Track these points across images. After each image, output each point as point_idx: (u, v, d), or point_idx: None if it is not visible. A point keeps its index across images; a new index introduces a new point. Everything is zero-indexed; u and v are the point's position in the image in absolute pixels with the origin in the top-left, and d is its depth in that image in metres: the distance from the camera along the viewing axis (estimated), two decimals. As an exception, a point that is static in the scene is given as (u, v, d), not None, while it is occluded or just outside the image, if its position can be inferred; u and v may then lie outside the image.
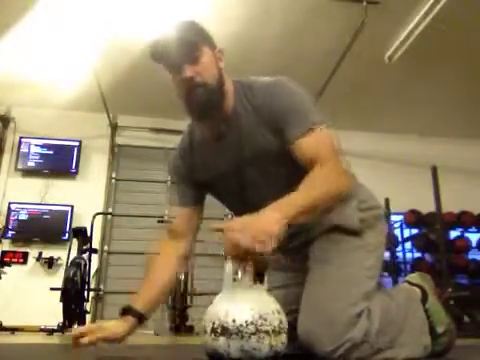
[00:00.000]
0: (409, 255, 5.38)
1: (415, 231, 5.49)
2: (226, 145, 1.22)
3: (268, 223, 0.92)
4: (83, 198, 5.03)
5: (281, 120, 1.13)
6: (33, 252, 4.85)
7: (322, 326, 1.06)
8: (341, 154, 1.14)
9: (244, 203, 1.25)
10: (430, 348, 1.17)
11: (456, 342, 1.27)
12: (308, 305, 1.13)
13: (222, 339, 0.92)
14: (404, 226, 5.41)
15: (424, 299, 1.26)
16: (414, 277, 1.34)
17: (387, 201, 5.03)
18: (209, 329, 0.94)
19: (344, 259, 1.17)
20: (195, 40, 1.13)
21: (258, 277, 1.02)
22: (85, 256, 4.04)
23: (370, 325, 1.08)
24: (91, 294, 4.39)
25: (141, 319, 1.16)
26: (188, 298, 4.12)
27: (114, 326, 1.13)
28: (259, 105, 1.16)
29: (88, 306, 4.15)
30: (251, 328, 0.91)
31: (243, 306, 0.94)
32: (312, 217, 1.07)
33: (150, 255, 1.33)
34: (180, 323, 3.89)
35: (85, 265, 3.97)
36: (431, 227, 5.06)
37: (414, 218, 5.32)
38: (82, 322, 3.84)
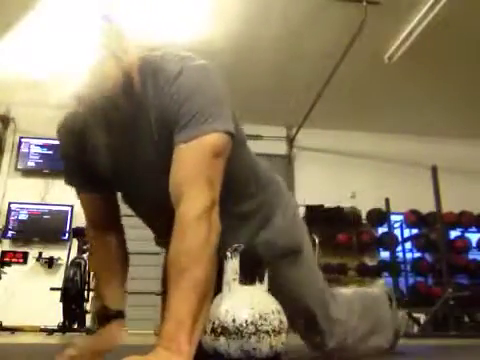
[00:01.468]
0: (409, 255, 5.38)
1: (415, 231, 5.49)
2: (122, 143, 1.02)
3: None
4: (83, 198, 5.03)
5: (172, 119, 0.92)
6: (33, 252, 4.84)
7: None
8: (214, 173, 0.89)
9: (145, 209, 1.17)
10: (401, 333, 1.47)
11: (456, 342, 1.32)
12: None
13: (222, 339, 0.92)
14: (404, 226, 5.41)
15: (390, 301, 1.48)
16: (381, 285, 1.61)
17: (387, 201, 5.03)
18: (209, 329, 0.94)
19: (308, 278, 1.25)
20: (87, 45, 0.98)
21: (258, 277, 1.02)
22: (85, 256, 4.04)
23: (351, 318, 1.27)
24: (91, 294, 4.38)
25: (124, 317, 1.14)
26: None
27: (114, 334, 1.09)
28: (159, 98, 0.94)
29: (88, 306, 4.15)
30: (251, 328, 0.91)
31: (243, 306, 0.94)
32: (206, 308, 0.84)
33: (90, 255, 1.22)
34: (180, 323, 3.88)
35: (85, 265, 3.97)
36: (431, 227, 5.06)
37: (414, 218, 5.32)
38: (82, 322, 3.85)
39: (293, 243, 1.20)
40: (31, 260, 4.83)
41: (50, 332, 3.62)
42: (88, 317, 4.24)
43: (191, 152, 0.88)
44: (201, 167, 0.87)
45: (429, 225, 5.14)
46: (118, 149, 1.03)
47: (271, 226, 1.17)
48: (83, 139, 1.05)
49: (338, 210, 5.29)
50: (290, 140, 5.73)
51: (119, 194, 1.22)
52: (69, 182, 1.15)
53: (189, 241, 0.81)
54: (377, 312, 1.40)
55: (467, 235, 5.41)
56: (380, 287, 1.55)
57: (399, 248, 5.33)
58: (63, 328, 3.64)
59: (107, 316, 1.11)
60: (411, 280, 5.17)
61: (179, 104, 0.91)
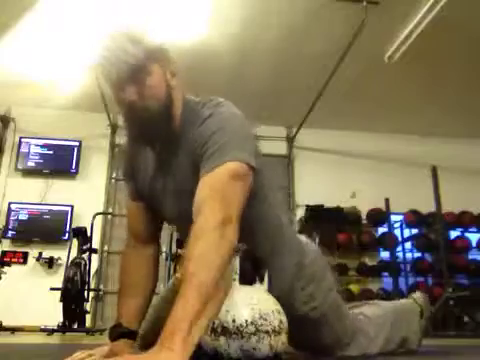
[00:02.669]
0: (409, 255, 5.37)
1: (415, 231, 5.48)
2: (160, 167, 1.15)
3: None
4: (83, 198, 5.03)
5: (200, 153, 1.01)
6: (33, 252, 4.85)
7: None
8: (236, 201, 0.93)
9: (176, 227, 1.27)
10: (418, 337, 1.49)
11: (456, 342, 1.32)
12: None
13: (222, 339, 0.92)
14: (404, 226, 5.41)
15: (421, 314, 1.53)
16: (419, 298, 1.59)
17: (387, 201, 5.03)
18: (209, 329, 0.94)
19: (328, 334, 1.25)
20: (143, 58, 1.00)
21: (258, 277, 1.02)
22: (85, 256, 4.04)
23: (378, 335, 1.34)
24: (91, 294, 4.38)
25: (135, 338, 1.14)
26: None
27: (126, 350, 1.08)
28: (195, 136, 1.05)
29: (88, 306, 4.15)
30: (251, 328, 0.91)
31: (243, 306, 0.94)
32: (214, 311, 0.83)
33: (122, 264, 1.23)
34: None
35: (85, 265, 3.97)
36: (431, 227, 5.06)
37: (414, 218, 5.31)
38: (82, 322, 3.84)
39: (308, 311, 1.20)
40: (31, 260, 4.83)
41: (50, 332, 3.62)
42: (88, 317, 4.25)
43: (212, 177, 0.95)
44: (219, 188, 0.93)
45: (429, 225, 5.13)
46: (156, 175, 1.15)
47: (290, 292, 1.17)
48: (132, 157, 1.21)
49: (338, 210, 5.29)
50: (290, 140, 5.73)
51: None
52: (133, 196, 1.24)
53: (200, 249, 0.83)
54: (406, 324, 1.46)
55: (467, 235, 5.40)
56: (417, 299, 1.59)
57: (399, 248, 5.32)
58: (63, 328, 3.64)
59: (118, 333, 1.11)
60: (411, 280, 5.17)
61: (205, 140, 1.00)
